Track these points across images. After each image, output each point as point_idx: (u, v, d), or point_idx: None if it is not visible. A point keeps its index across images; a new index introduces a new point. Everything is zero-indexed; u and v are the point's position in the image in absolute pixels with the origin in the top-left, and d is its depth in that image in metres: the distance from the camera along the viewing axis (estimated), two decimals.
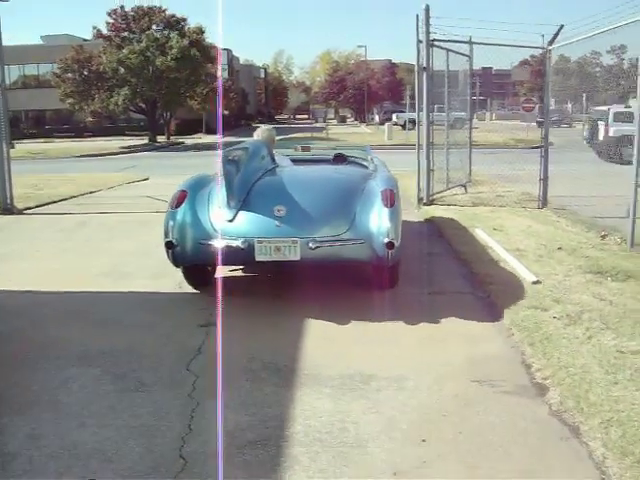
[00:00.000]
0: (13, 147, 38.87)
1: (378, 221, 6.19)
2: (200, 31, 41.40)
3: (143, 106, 42.28)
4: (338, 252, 6.20)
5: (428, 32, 11.76)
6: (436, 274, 7.53)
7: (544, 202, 12.30)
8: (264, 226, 6.13)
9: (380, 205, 6.28)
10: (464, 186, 14.57)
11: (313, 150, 9.78)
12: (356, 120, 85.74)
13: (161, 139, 43.65)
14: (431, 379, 4.63)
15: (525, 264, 7.58)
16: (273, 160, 7.68)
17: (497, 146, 23.54)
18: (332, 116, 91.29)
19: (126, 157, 33.01)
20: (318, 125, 64.02)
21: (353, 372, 4.73)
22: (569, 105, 78.50)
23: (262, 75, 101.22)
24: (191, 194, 6.54)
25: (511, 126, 39.57)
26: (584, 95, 64.90)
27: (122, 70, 39.19)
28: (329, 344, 5.37)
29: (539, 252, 8.28)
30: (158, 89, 39.40)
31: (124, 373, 4.77)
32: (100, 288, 7.13)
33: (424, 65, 11.89)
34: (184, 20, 41.73)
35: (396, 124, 48.75)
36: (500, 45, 12.38)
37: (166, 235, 6.38)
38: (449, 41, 12.20)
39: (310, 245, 5.98)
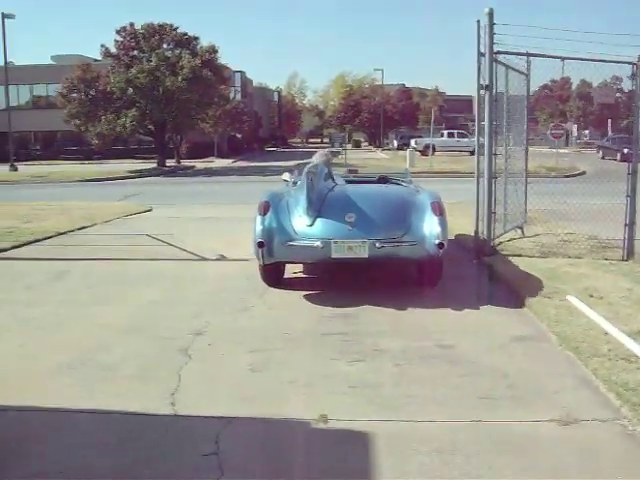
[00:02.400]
0: (16, 169, 37.36)
1: (430, 227, 7.60)
2: (213, 50, 39.28)
3: (152, 128, 40.12)
4: (398, 251, 7.63)
5: (492, 43, 9.50)
6: (541, 379, 5.22)
7: (630, 252, 10.00)
8: (338, 229, 7.49)
9: (431, 214, 7.70)
10: (521, 228, 12.28)
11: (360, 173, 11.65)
12: (370, 145, 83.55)
13: (171, 162, 41.54)
14: None
15: None
16: (333, 179, 9.19)
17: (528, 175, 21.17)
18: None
19: (132, 182, 30.82)
20: (333, 150, 61.88)
21: None
22: (586, 131, 75.55)
23: (275, 98, 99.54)
24: (273, 204, 7.80)
25: (536, 153, 37.34)
26: (609, 121, 61.99)
27: (130, 90, 37.07)
28: None
29: None
30: (168, 111, 37.21)
31: None
32: (55, 399, 4.80)
33: (486, 83, 9.65)
34: (196, 39, 39.62)
35: (414, 150, 46.40)
36: (575, 59, 10.10)
37: (258, 236, 7.52)
38: (516, 53, 9.95)
39: (376, 245, 7.34)
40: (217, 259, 10.05)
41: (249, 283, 8.47)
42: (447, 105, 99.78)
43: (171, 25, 39.14)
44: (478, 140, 10.30)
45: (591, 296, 7.55)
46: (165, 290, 8.23)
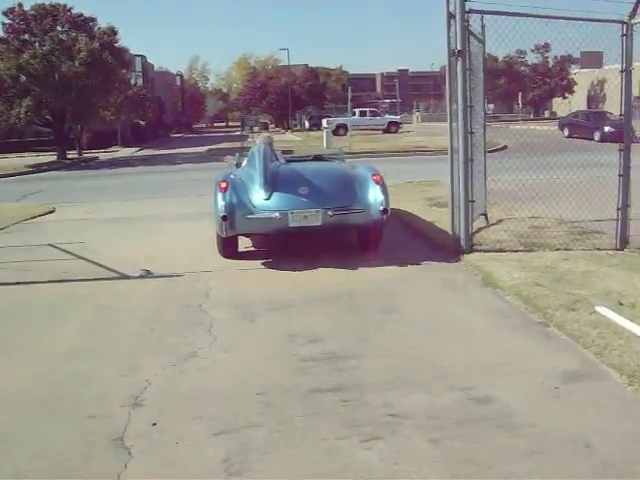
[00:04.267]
0: None
1: (374, 195, 8.58)
2: (112, 32, 36.41)
3: (50, 118, 37.10)
4: (347, 218, 8.58)
5: (464, 0, 7.96)
6: (635, 447, 3.69)
7: (623, 239, 8.69)
8: (294, 201, 8.44)
9: (373, 184, 8.69)
10: (485, 214, 10.81)
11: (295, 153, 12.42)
12: (277, 127, 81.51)
13: (72, 154, 38.65)
14: None
15: None
16: (277, 158, 9.92)
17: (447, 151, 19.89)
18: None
19: (31, 178, 28.03)
20: (245, 133, 59.74)
21: None
22: (491, 105, 75.84)
23: (178, 83, 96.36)
24: (231, 182, 8.67)
25: (444, 128, 36.23)
26: (519, 94, 62.02)
27: (23, 78, 34.01)
28: None
29: None
30: (66, 98, 34.27)
31: None
32: None
33: (458, 48, 8.08)
34: (93, 20, 36.64)
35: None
36: (551, 18, 8.61)
37: (221, 211, 8.33)
38: (495, 13, 8.34)
39: (329, 213, 8.31)
40: (141, 276, 8.17)
41: (188, 311, 6.66)
42: (350, 84, 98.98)
43: (64, 5, 36.10)
44: (451, 116, 8.75)
45: (621, 304, 6.13)
46: (81, 330, 6.24)
